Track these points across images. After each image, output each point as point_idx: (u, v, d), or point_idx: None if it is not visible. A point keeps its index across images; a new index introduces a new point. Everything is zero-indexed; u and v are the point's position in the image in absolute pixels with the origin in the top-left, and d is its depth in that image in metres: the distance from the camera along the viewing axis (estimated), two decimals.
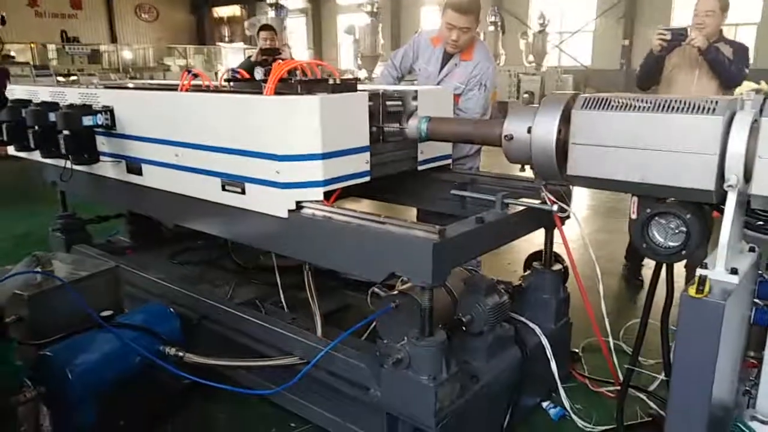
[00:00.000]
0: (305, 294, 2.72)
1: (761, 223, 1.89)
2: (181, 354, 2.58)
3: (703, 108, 1.78)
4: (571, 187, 2.49)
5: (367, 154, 2.53)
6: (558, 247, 2.81)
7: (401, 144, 2.79)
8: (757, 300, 2.08)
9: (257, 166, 2.40)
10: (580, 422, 2.70)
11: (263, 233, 2.57)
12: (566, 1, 18.84)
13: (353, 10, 20.48)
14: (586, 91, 2.14)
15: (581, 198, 6.78)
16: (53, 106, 3.12)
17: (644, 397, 2.81)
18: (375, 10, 12.75)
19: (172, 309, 2.83)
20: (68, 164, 3.04)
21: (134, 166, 3.01)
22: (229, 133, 2.49)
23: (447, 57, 3.59)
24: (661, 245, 1.99)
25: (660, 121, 1.85)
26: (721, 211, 1.78)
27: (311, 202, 2.35)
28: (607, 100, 1.96)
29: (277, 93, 2.42)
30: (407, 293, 2.25)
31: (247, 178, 2.46)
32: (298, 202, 2.36)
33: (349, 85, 2.57)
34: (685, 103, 1.82)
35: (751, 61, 3.78)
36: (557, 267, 2.87)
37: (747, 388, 2.11)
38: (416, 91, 2.75)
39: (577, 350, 3.24)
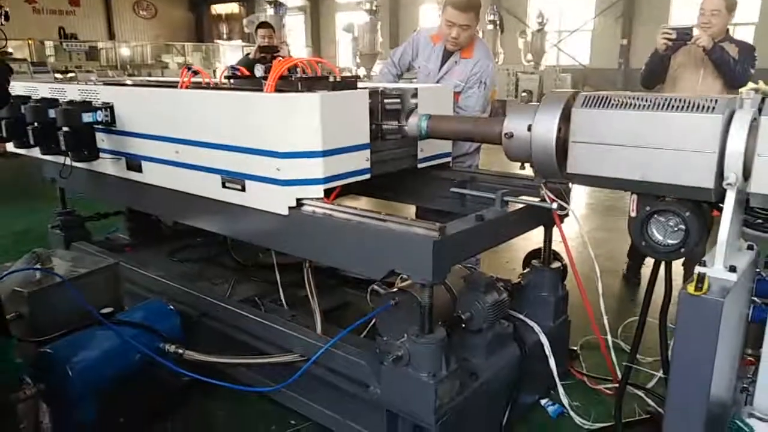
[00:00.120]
0: (305, 291, 2.71)
1: (760, 221, 1.90)
2: (180, 351, 2.59)
3: (703, 106, 1.79)
4: (570, 185, 2.50)
5: (368, 152, 2.53)
6: (557, 245, 2.82)
7: (401, 142, 2.79)
8: (755, 298, 2.10)
9: (258, 163, 2.40)
10: (578, 419, 2.71)
11: (263, 230, 2.57)
12: (565, 0, 18.82)
13: (352, 8, 20.50)
14: (585, 90, 2.13)
15: (580, 196, 6.79)
16: (53, 102, 3.11)
17: (642, 395, 2.82)
18: (374, 8, 12.74)
19: (171, 306, 2.83)
20: (68, 161, 3.04)
21: (134, 163, 3.01)
22: (230, 130, 2.49)
23: (447, 54, 3.58)
24: (660, 243, 1.99)
25: (660, 119, 1.85)
26: (720, 210, 1.79)
27: (312, 199, 2.35)
28: (607, 98, 1.96)
29: (277, 90, 2.43)
30: (407, 290, 2.26)
31: (248, 175, 2.46)
32: (298, 200, 2.36)
33: (349, 83, 2.58)
34: (684, 102, 1.83)
35: (757, 61, 3.72)
36: (556, 265, 2.88)
37: (745, 386, 2.11)
38: (416, 89, 2.76)
39: (575, 348, 3.24)
